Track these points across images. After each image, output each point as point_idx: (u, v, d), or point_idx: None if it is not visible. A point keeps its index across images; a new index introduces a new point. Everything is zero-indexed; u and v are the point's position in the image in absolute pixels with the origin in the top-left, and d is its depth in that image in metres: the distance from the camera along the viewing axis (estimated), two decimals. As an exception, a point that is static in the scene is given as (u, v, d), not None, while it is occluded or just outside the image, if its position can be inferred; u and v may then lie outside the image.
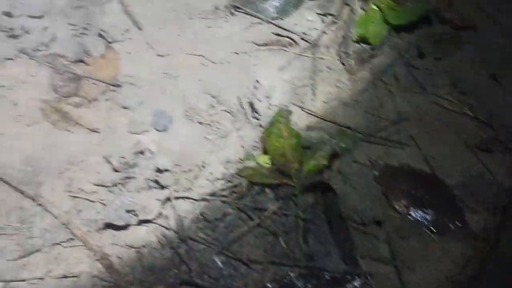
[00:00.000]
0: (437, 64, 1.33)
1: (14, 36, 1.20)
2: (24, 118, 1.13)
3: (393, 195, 1.11)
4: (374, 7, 1.37)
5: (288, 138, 1.11)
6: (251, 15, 1.35)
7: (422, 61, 1.34)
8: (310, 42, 1.33)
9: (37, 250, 1.00)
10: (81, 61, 1.21)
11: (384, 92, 1.27)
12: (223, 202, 1.06)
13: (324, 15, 1.38)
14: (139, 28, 1.28)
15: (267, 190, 1.08)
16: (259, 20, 1.35)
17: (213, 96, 1.20)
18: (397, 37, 1.36)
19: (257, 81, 1.24)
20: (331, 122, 1.20)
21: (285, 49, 1.32)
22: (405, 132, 1.21)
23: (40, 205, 1.04)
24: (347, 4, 1.40)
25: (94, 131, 1.13)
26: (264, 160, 1.10)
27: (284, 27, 1.35)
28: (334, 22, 1.37)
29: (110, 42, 1.24)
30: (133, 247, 1.02)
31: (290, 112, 1.18)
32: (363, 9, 1.39)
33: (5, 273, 0.97)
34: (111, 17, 1.28)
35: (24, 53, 1.19)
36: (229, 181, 1.09)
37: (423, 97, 1.28)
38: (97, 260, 1.00)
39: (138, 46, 1.25)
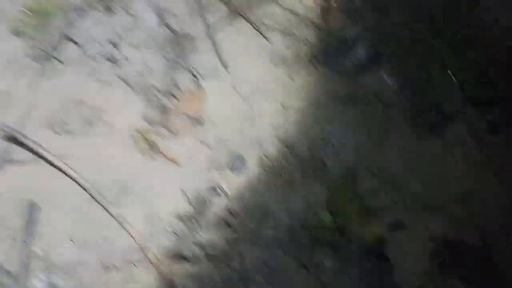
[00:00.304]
0: (509, 143, 1.34)
1: (116, 63, 1.32)
2: (116, 142, 1.26)
3: (448, 271, 1.15)
4: (452, 76, 1.39)
5: (353, 201, 1.17)
6: (330, 68, 1.41)
7: (494, 137, 1.35)
8: (384, 102, 1.38)
9: (115, 267, 1.13)
10: (171, 94, 1.32)
11: (451, 164, 1.30)
12: (284, 251, 1.15)
13: (400, 77, 1.41)
14: (226, 69, 1.37)
15: (326, 247, 1.16)
16: (337, 74, 1.40)
17: (286, 146, 1.28)
18: (472, 109, 1.38)
19: (329, 137, 1.30)
20: (395, 187, 1.25)
21: (359, 106, 1.37)
22: (467, 208, 1.24)
23: (121, 225, 1.17)
24: (425, 69, 1.43)
25: (175, 163, 1.24)
26: (327, 218, 1.17)
27: (360, 84, 1.40)
28: (409, 86, 1.40)
29: (198, 79, 1.34)
30: (198, 280, 1.12)
31: (357, 174, 1.24)
32: (441, 76, 1.41)
33: (87, 285, 1.10)
34: (202, 55, 1.37)
35: (122, 80, 1.31)
36: (292, 232, 1.17)
37: (489, 175, 1.30)
38: (165, 285, 1.11)
39: (223, 86, 1.35)
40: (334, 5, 1.45)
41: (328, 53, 1.43)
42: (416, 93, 1.40)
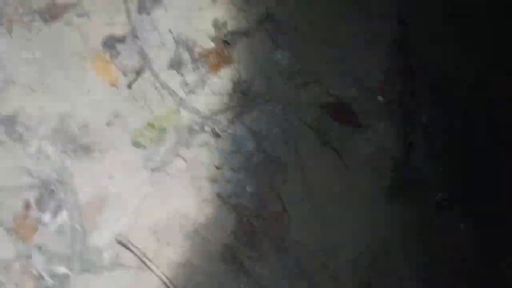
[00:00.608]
0: None
1: (216, 183, 1.50)
2: (209, 255, 1.41)
3: None
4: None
5: None
6: (405, 205, 1.50)
7: None
8: (455, 246, 1.45)
9: None
10: (260, 215, 1.47)
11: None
12: None
13: (471, 220, 1.48)
14: (311, 199, 1.50)
15: None
16: (412, 212, 1.50)
17: (361, 282, 1.38)
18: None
19: (401, 275, 1.39)
20: None
21: (432, 247, 1.45)
22: None
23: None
24: (501, 217, 1.49)
25: (259, 284, 1.38)
26: None
27: (434, 224, 1.48)
28: (481, 231, 1.47)
29: (285, 205, 1.49)
30: None
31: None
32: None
33: None
34: (290, 183, 1.52)
35: (220, 198, 1.48)
36: None
37: None
38: None
39: (307, 216, 1.48)
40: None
41: (406, 190, 1.53)
42: (487, 239, 1.46)
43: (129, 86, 1.60)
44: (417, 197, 1.52)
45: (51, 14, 1.66)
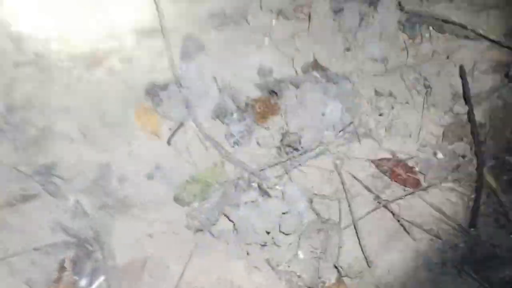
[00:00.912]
0: None
1: (265, 247, 1.38)
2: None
3: None
4: None
5: None
6: (478, 281, 1.36)
7: None
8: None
9: None
10: (314, 286, 1.34)
11: None
12: None
13: None
14: (369, 266, 1.37)
15: None
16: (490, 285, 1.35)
17: None
18: None
19: None
20: None
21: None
22: None
23: None
24: None
25: None
26: None
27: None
28: None
29: (342, 276, 1.36)
30: None
31: None
32: None
33: None
34: (346, 248, 1.39)
35: (268, 264, 1.36)
36: None
37: None
38: None
39: (365, 285, 1.35)
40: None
41: (476, 263, 1.38)
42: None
43: (171, 137, 1.51)
44: (486, 271, 1.38)
45: (92, 60, 1.60)
